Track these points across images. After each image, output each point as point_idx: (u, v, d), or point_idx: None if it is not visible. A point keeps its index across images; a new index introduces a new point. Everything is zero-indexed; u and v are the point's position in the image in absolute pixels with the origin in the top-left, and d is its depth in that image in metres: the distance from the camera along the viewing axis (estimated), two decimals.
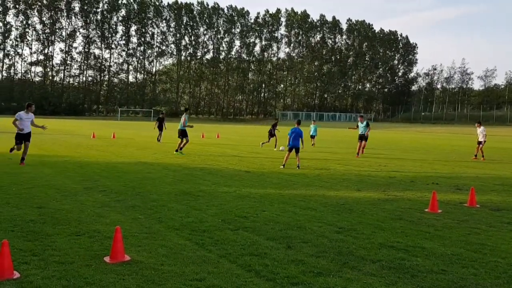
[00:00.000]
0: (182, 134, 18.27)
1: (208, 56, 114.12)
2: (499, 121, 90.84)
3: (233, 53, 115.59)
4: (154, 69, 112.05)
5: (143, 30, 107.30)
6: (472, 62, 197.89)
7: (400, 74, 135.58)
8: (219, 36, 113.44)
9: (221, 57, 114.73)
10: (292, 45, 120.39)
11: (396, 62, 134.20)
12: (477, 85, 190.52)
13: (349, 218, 7.40)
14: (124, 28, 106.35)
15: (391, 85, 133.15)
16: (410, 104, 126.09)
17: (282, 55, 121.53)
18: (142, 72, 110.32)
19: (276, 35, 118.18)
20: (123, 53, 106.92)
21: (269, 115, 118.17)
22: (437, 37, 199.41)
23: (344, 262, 5.11)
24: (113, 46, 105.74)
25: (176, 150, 17.98)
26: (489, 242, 6.08)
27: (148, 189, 9.58)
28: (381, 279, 4.58)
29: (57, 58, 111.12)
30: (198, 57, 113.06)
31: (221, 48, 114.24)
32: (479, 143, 19.62)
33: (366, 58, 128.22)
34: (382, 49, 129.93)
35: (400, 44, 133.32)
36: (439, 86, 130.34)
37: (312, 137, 25.80)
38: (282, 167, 14.25)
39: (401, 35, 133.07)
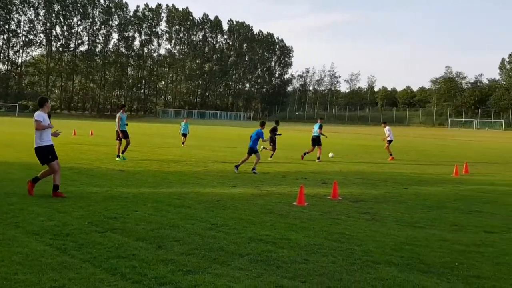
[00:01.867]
0: (124, 135, 15.56)
1: (83, 48, 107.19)
2: (362, 121, 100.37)
3: (110, 46, 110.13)
4: (20, 60, 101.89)
5: (7, 16, 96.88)
6: (340, 67, 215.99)
7: (276, 75, 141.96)
8: (95, 28, 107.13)
9: (97, 50, 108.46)
10: (173, 41, 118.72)
11: (273, 63, 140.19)
12: (344, 87, 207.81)
13: (223, 214, 7.51)
14: None
15: (268, 85, 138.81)
16: (286, 104, 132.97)
17: (163, 51, 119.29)
18: (6, 62, 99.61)
19: (156, 30, 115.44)
20: None
21: (150, 112, 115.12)
22: (311, 41, 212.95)
23: (214, 258, 5.15)
24: None
25: (118, 156, 15.33)
26: (347, 232, 6.62)
27: (6, 191, 8.66)
28: (248, 273, 4.71)
29: None
30: (71, 49, 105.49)
31: (97, 41, 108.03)
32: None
33: (246, 59, 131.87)
34: (261, 51, 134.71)
35: (277, 46, 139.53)
36: (311, 87, 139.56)
37: (184, 135, 24.23)
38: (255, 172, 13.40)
39: (277, 38, 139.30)
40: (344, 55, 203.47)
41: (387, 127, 20.61)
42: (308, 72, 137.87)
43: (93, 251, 5.23)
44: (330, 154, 19.11)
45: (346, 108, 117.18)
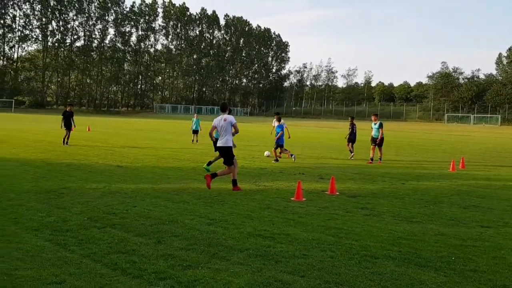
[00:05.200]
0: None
1: (79, 44, 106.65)
2: (359, 116, 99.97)
3: (107, 41, 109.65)
4: (15, 55, 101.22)
5: (2, 11, 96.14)
6: (337, 62, 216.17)
7: (274, 70, 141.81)
8: (90, 23, 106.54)
9: (93, 45, 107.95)
10: (170, 37, 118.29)
11: (270, 59, 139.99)
12: (341, 83, 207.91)
13: (221, 209, 7.54)
14: None
15: (265, 80, 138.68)
16: (283, 99, 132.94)
17: (160, 46, 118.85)
18: (1, 58, 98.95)
19: (153, 25, 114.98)
20: None
21: (147, 108, 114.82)
22: (308, 37, 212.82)
23: (213, 253, 5.19)
24: None
25: (209, 164, 12.68)
26: (345, 227, 6.66)
27: (4, 187, 8.67)
28: (247, 267, 4.75)
29: None
30: (68, 44, 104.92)
31: (93, 36, 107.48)
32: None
33: (243, 54, 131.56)
34: (258, 46, 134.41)
35: (274, 42, 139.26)
36: (308, 83, 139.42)
37: (195, 132, 22.81)
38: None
39: (274, 33, 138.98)
40: (341, 50, 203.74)
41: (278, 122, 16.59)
42: (305, 67, 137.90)
43: (93, 246, 5.26)
44: (266, 153, 17.26)
45: (343, 103, 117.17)
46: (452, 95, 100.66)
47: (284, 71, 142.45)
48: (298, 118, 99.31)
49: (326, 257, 5.18)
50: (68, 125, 19.13)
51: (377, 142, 16.38)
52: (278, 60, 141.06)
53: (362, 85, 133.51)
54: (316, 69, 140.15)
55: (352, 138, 17.90)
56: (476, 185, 11.55)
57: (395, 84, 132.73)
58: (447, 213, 7.91)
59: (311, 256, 5.19)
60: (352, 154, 17.68)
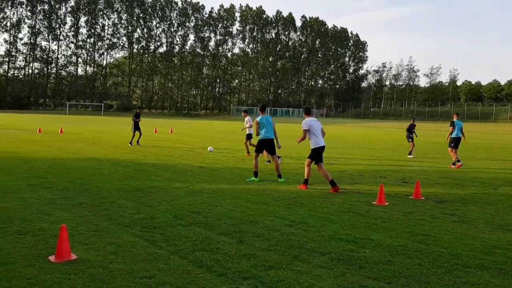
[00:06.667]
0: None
1: (161, 50, 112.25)
2: (444, 117, 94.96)
3: (187, 47, 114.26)
4: (104, 62, 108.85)
5: (93, 21, 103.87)
6: (419, 60, 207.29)
7: (351, 71, 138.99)
8: (172, 30, 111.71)
9: (175, 51, 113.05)
10: (246, 40, 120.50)
11: (347, 59, 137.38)
12: (423, 82, 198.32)
13: (300, 211, 7.50)
14: (73, 19, 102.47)
15: (342, 81, 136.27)
16: (360, 100, 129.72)
17: (237, 50, 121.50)
18: (92, 64, 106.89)
19: (231, 30, 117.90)
20: (72, 45, 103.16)
21: (224, 110, 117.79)
22: (387, 35, 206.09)
23: (294, 255, 5.17)
24: (61, 37, 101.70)
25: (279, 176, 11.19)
26: (432, 233, 6.33)
27: (97, 185, 9.31)
28: (330, 271, 4.67)
29: (1, 49, 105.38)
30: (151, 51, 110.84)
31: (174, 42, 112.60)
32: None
33: (319, 55, 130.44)
34: (334, 46, 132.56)
35: (351, 41, 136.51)
36: (387, 83, 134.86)
37: None
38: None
39: (351, 32, 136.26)
40: (423, 48, 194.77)
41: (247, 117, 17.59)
42: (384, 67, 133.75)
43: (179, 243, 5.47)
44: (209, 148, 17.76)
45: (426, 104, 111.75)
46: None
47: (362, 71, 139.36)
48: (376, 119, 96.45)
49: (413, 265, 4.96)
50: (137, 127, 19.52)
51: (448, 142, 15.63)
52: (356, 60, 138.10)
53: (447, 84, 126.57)
54: (396, 68, 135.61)
55: (407, 136, 19.08)
56: None
57: (483, 83, 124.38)
58: None
59: (397, 263, 4.99)
60: (412, 155, 18.29)
